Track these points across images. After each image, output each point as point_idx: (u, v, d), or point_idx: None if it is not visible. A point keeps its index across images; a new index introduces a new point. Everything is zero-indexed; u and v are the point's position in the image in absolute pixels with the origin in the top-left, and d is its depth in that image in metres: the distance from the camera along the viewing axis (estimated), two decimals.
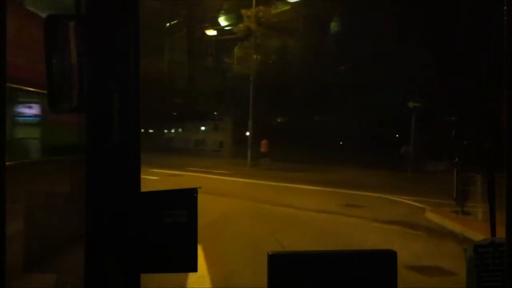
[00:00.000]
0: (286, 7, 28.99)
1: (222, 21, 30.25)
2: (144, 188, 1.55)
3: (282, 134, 31.52)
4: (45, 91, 1.58)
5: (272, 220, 11.51)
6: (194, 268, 1.59)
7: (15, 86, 6.53)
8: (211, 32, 31.22)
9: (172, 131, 50.95)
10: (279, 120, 35.52)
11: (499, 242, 1.79)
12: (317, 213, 12.62)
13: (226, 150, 38.52)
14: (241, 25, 29.25)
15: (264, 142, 30.24)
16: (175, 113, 42.56)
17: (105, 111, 1.49)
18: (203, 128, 44.09)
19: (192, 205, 1.59)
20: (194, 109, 36.55)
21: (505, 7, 1.07)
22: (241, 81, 29.93)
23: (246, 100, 29.13)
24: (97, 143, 1.50)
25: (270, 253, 1.70)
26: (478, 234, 8.32)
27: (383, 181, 20.19)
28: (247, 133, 30.79)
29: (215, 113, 40.77)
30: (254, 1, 28.62)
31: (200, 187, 1.64)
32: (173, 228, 1.57)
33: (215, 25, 30.74)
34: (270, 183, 19.54)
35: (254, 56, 29.93)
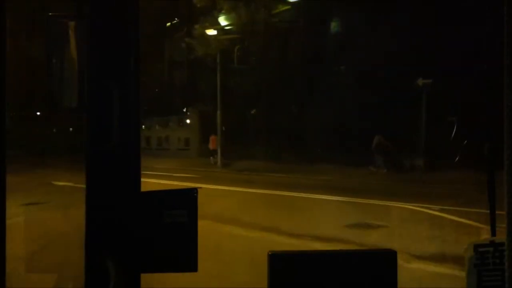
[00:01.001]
0: None
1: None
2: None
3: (258, 128, 27.07)
4: None
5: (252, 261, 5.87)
6: (194, 268, 1.59)
7: None
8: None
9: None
10: (252, 112, 29.93)
11: (499, 242, 1.79)
12: (321, 242, 7.95)
13: (193, 148, 33.20)
14: None
15: (212, 137, 26.51)
16: None
17: (105, 111, 1.49)
18: (164, 124, 37.49)
19: (192, 205, 1.59)
20: (156, 103, 31.35)
21: (505, 7, 1.07)
22: (209, 71, 26.60)
23: (215, 91, 25.67)
24: (97, 143, 1.50)
25: (270, 253, 1.70)
26: None
27: (373, 183, 16.27)
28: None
29: (184, 110, 34.94)
30: None
31: (200, 187, 1.64)
32: (173, 228, 1.57)
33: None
34: (248, 190, 15.02)
35: (215, 32, 25.84)
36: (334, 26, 25.16)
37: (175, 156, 29.48)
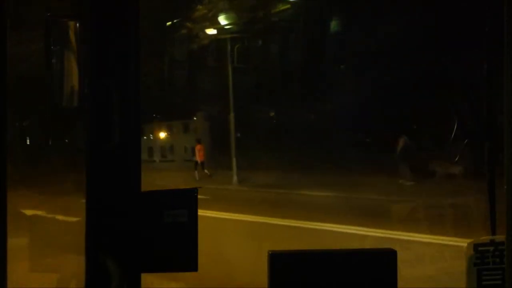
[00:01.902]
0: None
1: None
2: None
3: (274, 132, 23.84)
4: None
5: None
6: (194, 268, 1.59)
7: None
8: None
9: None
10: (271, 115, 26.18)
11: (499, 241, 1.79)
12: None
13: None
14: None
15: (198, 147, 21.94)
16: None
17: (105, 110, 1.49)
18: (168, 131, 32.08)
19: (192, 205, 1.59)
20: (157, 106, 27.28)
21: (505, 7, 1.07)
22: (215, 70, 23.27)
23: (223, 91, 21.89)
24: (98, 143, 1.50)
25: (270, 252, 1.70)
26: None
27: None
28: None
29: (197, 115, 29.68)
30: None
31: (201, 187, 1.64)
32: (173, 228, 1.57)
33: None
34: (286, 222, 9.91)
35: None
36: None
37: (181, 169, 23.50)
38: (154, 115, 29.08)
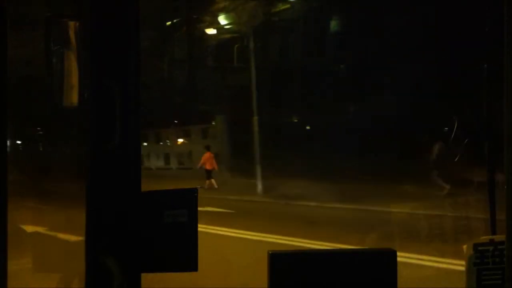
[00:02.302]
0: None
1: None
2: None
3: (299, 136, 21.65)
4: None
5: None
6: (194, 268, 1.59)
7: None
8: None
9: (145, 144, 31.56)
10: (295, 120, 23.79)
11: (499, 240, 1.79)
12: None
13: (221, 166, 24.13)
14: None
15: (206, 155, 19.79)
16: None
17: (105, 111, 1.49)
18: (185, 136, 29.08)
19: (192, 205, 1.59)
20: (171, 110, 25.81)
21: (505, 7, 1.07)
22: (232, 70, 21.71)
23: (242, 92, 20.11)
24: (98, 143, 1.50)
25: (270, 252, 1.70)
26: None
27: None
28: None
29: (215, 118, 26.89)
30: None
31: (201, 187, 1.63)
32: (173, 228, 1.57)
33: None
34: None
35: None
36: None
37: (201, 177, 20.20)
38: (175, 121, 27.11)
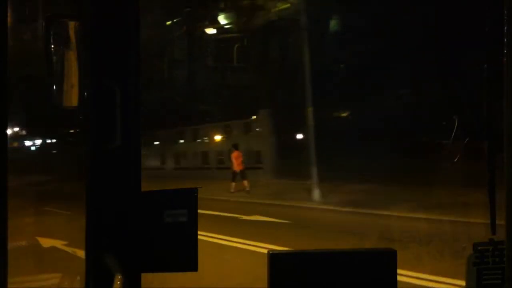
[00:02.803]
0: None
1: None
2: None
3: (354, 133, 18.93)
4: None
5: None
6: (194, 268, 1.59)
7: None
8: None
9: (181, 141, 29.65)
10: (343, 115, 21.03)
11: (499, 240, 1.79)
12: None
13: (267, 166, 21.73)
14: None
15: (235, 154, 18.07)
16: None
17: (105, 111, 1.49)
18: (225, 133, 25.65)
19: (192, 205, 1.59)
20: (207, 103, 22.95)
21: (505, 7, 1.07)
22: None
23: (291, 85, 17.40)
24: (98, 143, 1.50)
25: (270, 252, 1.70)
26: None
27: None
28: (299, 136, 19.13)
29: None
30: None
31: (201, 187, 1.63)
32: (173, 228, 1.57)
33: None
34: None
35: None
36: None
37: (252, 178, 18.09)
38: (219, 117, 24.42)
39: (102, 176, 1.51)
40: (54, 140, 34.23)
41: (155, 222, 1.57)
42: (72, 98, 1.59)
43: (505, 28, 1.06)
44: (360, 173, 14.45)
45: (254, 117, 23.96)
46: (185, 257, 1.60)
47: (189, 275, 1.63)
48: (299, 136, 20.43)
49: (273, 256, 1.69)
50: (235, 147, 18.76)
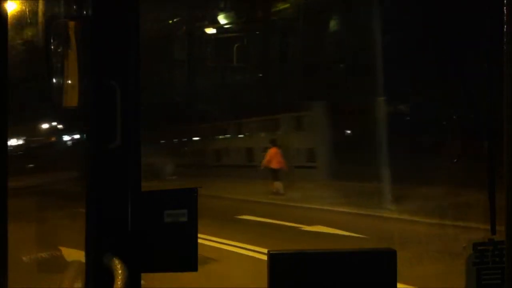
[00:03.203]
0: None
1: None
2: None
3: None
4: None
5: None
6: (194, 268, 1.59)
7: None
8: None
9: (220, 137, 26.48)
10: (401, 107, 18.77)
11: (499, 240, 1.79)
12: None
13: (321, 165, 18.28)
14: None
15: (272, 150, 16.01)
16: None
17: (105, 111, 1.49)
18: (272, 128, 22.42)
19: (192, 205, 1.59)
20: (250, 95, 19.98)
21: (505, 7, 1.07)
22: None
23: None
24: (98, 143, 1.50)
25: (270, 252, 1.70)
26: None
27: None
28: (358, 131, 16.41)
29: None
30: None
31: (201, 187, 1.63)
32: (173, 228, 1.57)
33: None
34: None
35: None
36: None
37: (295, 179, 15.86)
38: (266, 110, 20.90)
39: (102, 176, 1.51)
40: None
41: (155, 222, 1.57)
42: (72, 98, 1.59)
43: (505, 28, 1.06)
44: (431, 174, 11.78)
45: (306, 111, 20.17)
46: (185, 257, 1.60)
47: None
48: (358, 131, 17.38)
49: (273, 256, 1.69)
50: (273, 142, 16.57)
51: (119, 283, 1.41)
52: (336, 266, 1.71)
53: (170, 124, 25.38)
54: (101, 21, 1.50)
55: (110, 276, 1.44)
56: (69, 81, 1.59)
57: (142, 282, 1.56)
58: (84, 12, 1.54)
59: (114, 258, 1.46)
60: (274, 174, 15.57)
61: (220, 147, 26.33)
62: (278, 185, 15.11)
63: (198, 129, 25.93)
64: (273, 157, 15.77)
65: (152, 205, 1.58)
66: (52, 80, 1.58)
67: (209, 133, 26.14)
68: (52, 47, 1.58)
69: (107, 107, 1.48)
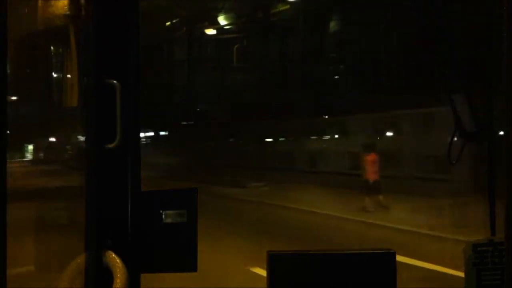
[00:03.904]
0: None
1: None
2: None
3: None
4: None
5: None
6: (194, 268, 1.59)
7: None
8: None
9: (313, 137, 21.89)
10: None
11: (499, 241, 1.79)
12: None
13: (456, 177, 13.09)
14: None
15: (370, 157, 13.19)
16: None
17: (105, 110, 1.49)
18: (385, 127, 17.82)
19: (192, 205, 1.59)
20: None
21: (505, 7, 1.07)
22: None
23: None
24: (98, 143, 1.50)
25: (270, 253, 1.70)
26: None
27: None
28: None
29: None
30: None
31: (197, 188, 1.63)
32: (173, 228, 1.57)
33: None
34: None
35: None
36: None
37: (419, 194, 13.04)
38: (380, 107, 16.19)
39: (102, 176, 1.51)
40: (165, 133, 32.67)
41: (155, 222, 1.57)
42: (72, 98, 1.59)
43: (505, 28, 1.06)
44: None
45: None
46: (185, 258, 1.60)
47: None
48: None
49: (272, 257, 1.69)
50: (370, 148, 13.66)
51: (118, 283, 1.40)
52: (336, 267, 1.71)
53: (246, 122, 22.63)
54: (101, 21, 1.50)
55: (109, 276, 1.44)
56: (69, 81, 1.59)
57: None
58: (84, 12, 1.54)
59: (113, 258, 1.46)
60: (371, 187, 12.74)
61: (314, 149, 21.19)
62: (377, 200, 12.60)
63: (285, 127, 21.61)
64: (370, 166, 12.98)
65: (152, 205, 1.58)
66: (52, 80, 1.58)
67: (298, 132, 21.62)
68: (52, 47, 1.58)
69: (107, 107, 1.48)
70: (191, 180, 16.60)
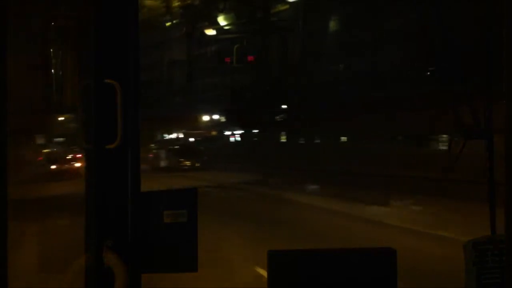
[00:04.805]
0: None
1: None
2: None
3: None
4: None
5: None
6: (194, 268, 1.59)
7: None
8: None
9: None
10: None
11: (499, 240, 1.79)
12: None
13: None
14: None
15: None
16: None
17: (105, 111, 1.49)
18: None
19: (192, 205, 1.59)
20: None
21: (505, 7, 1.07)
22: None
23: None
24: (98, 143, 1.50)
25: (270, 251, 1.70)
26: None
27: None
28: None
29: None
30: None
31: (196, 188, 1.63)
32: (173, 228, 1.57)
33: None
34: None
35: None
36: None
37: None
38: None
39: (102, 176, 1.51)
40: (255, 131, 31.57)
41: (155, 222, 1.57)
42: (72, 98, 1.59)
43: (505, 28, 1.07)
44: None
45: None
46: (185, 258, 1.60)
47: None
48: None
49: (273, 256, 1.69)
50: None
51: (119, 283, 1.41)
52: (336, 265, 1.71)
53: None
54: (101, 20, 1.50)
55: (110, 276, 1.44)
56: (69, 81, 1.59)
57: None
58: (84, 12, 1.54)
59: (114, 258, 1.46)
60: None
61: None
62: None
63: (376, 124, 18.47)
64: None
65: (152, 205, 1.58)
66: (52, 80, 1.58)
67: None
68: (53, 46, 1.58)
69: (107, 107, 1.48)
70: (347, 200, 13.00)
